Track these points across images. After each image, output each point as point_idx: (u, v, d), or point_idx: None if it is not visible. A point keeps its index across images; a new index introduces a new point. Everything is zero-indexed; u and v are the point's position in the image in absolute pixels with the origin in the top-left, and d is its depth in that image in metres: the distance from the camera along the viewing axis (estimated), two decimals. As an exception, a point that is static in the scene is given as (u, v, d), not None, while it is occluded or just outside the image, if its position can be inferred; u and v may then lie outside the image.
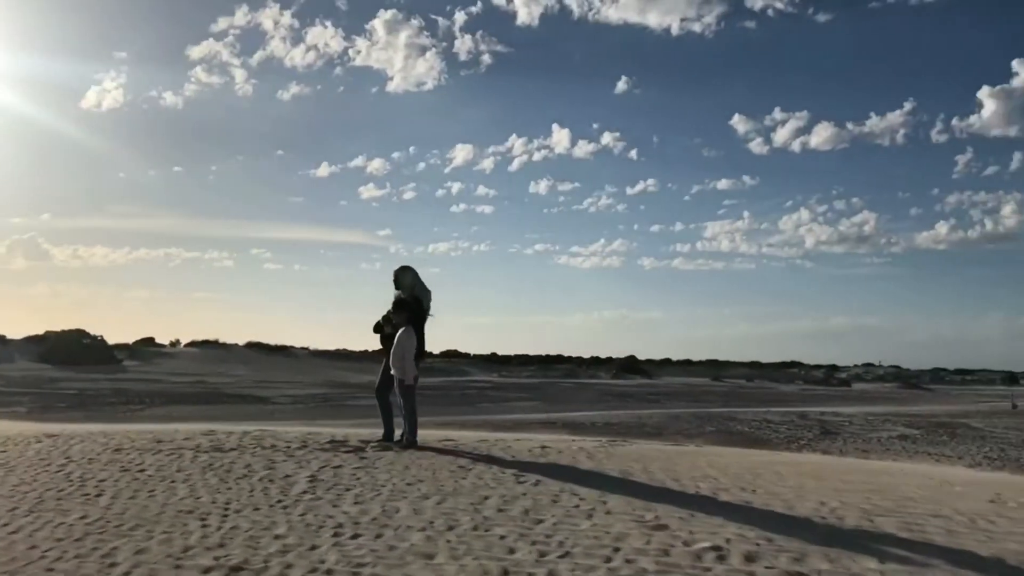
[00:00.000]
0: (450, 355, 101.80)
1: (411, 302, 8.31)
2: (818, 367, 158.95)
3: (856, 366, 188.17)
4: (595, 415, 36.91)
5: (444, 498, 6.23)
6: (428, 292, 8.54)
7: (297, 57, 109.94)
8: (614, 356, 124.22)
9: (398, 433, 8.65)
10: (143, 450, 8.40)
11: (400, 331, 8.24)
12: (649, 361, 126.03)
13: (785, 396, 67.89)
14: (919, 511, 6.19)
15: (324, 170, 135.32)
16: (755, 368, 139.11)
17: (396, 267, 8.68)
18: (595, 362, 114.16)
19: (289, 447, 8.42)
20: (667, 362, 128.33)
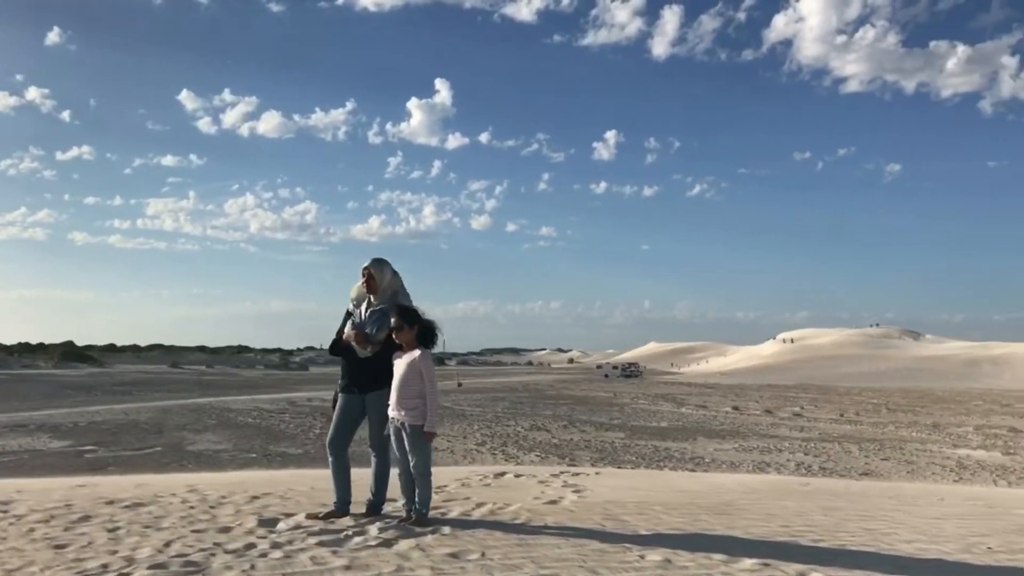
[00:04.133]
0: None
1: (417, 313, 5.67)
2: (267, 351, 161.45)
3: (300, 349, 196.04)
4: (72, 413, 31.62)
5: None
6: (408, 295, 5.93)
7: None
8: (47, 342, 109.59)
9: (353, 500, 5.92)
10: None
11: (414, 355, 5.58)
12: (91, 347, 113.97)
13: (256, 382, 67.13)
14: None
15: None
16: (206, 353, 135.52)
17: (369, 260, 5.82)
18: (26, 349, 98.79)
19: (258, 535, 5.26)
20: (112, 348, 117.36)
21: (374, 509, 5.81)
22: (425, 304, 5.81)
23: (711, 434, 31.07)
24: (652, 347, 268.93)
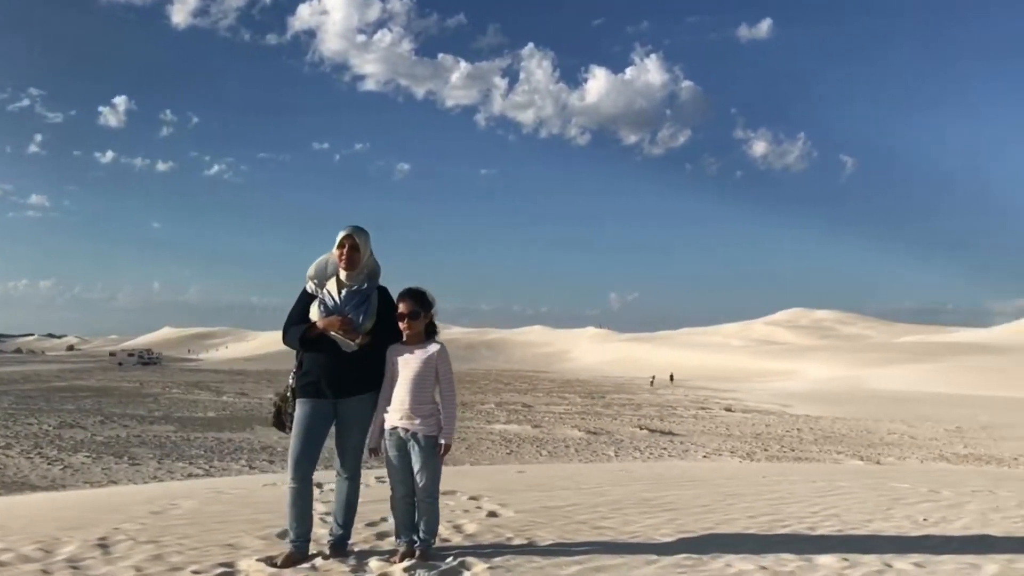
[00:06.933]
0: None
1: (429, 297, 4.36)
2: None
3: None
4: None
5: None
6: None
7: None
8: None
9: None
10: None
11: (430, 349, 4.49)
12: None
13: None
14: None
15: None
16: None
17: (349, 228, 4.49)
18: None
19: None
20: None
21: (341, 546, 4.56)
22: None
23: (264, 422, 30.45)
24: (168, 332, 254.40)
